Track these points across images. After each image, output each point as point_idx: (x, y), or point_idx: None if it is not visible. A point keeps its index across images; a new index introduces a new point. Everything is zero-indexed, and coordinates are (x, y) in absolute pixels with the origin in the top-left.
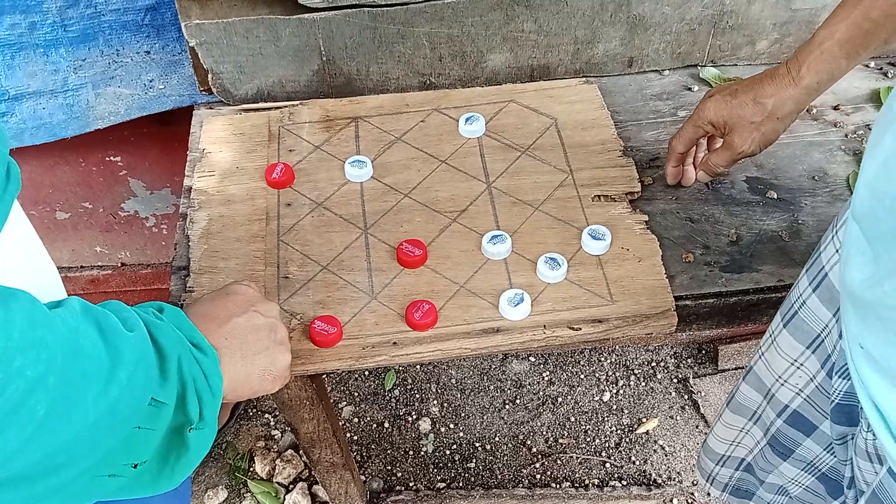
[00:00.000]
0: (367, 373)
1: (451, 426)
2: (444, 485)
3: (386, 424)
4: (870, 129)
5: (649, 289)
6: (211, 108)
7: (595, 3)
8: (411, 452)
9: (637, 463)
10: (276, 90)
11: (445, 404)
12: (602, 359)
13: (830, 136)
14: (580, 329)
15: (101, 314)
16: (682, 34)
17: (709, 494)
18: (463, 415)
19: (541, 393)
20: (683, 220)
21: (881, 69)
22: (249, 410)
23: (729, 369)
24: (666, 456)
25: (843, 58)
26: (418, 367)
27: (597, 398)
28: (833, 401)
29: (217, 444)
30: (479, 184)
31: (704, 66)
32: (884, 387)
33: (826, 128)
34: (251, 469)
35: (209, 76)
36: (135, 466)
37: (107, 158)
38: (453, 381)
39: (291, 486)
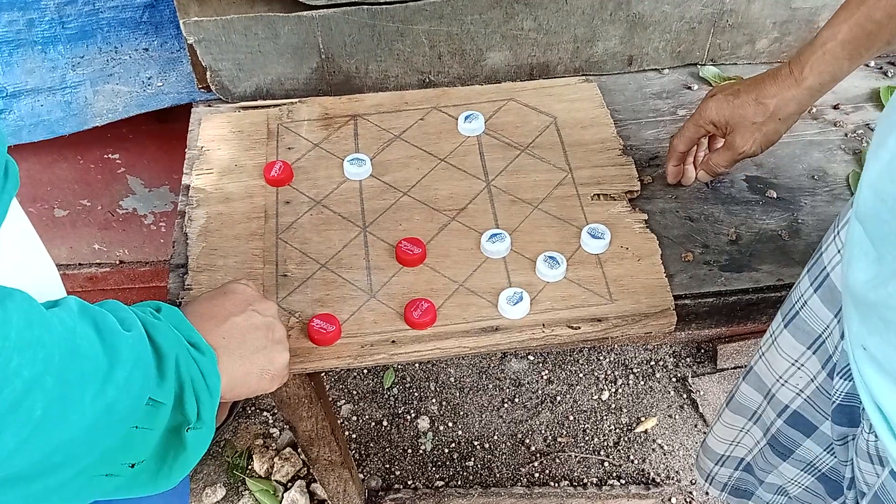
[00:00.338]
0: (365, 371)
1: (450, 425)
2: (442, 483)
3: (384, 423)
4: (870, 129)
5: (648, 288)
6: (209, 106)
7: (595, 1)
8: (410, 451)
9: (636, 462)
10: (274, 88)
11: (444, 403)
12: (601, 358)
13: (830, 136)
14: (579, 328)
15: (98, 314)
16: (682, 33)
17: (707, 494)
18: (461, 413)
19: (539, 392)
20: (683, 219)
21: (881, 68)
22: (248, 408)
23: (728, 368)
24: (664, 455)
25: (846, 59)
26: (417, 365)
27: (595, 397)
28: (834, 401)
29: (215, 441)
30: (479, 182)
31: (704, 64)
32: (886, 388)
33: (826, 127)
34: (249, 467)
35: (208, 74)
36: (132, 466)
37: (105, 156)
38: (452, 379)
39: (290, 484)
